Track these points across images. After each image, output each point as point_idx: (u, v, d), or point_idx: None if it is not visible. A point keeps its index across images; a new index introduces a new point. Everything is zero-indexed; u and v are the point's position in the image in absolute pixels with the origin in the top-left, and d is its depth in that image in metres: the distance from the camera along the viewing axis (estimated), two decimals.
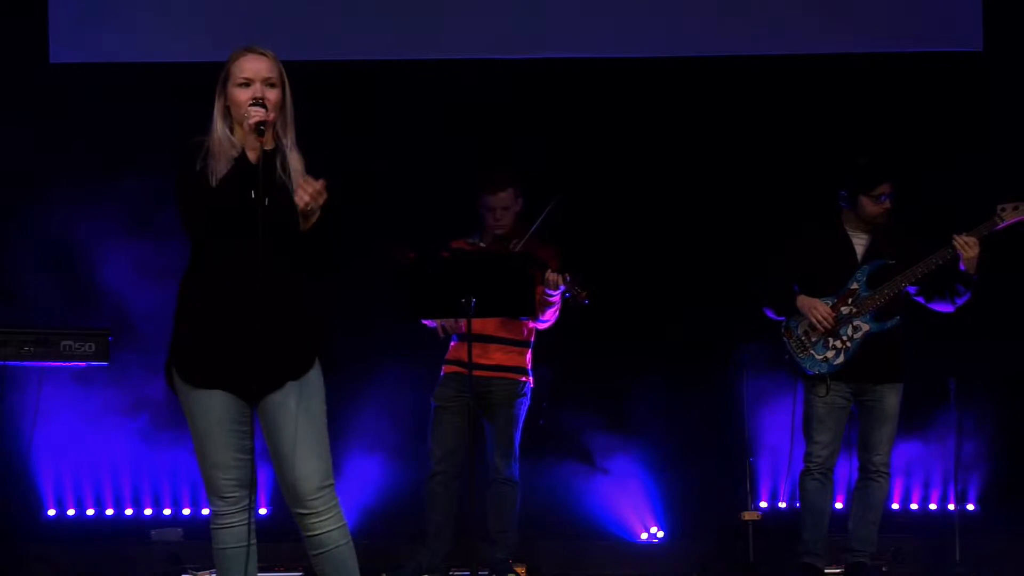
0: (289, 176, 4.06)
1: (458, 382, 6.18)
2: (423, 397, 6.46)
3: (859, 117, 7.44)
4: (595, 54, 7.52)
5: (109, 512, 7.44)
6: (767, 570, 6.65)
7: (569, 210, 6.57)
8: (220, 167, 4.04)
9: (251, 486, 4.07)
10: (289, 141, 4.12)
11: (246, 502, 4.08)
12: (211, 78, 7.40)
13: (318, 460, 4.04)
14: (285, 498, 4.08)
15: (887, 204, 6.06)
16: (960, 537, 6.78)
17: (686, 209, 7.49)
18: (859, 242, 6.11)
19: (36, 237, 7.29)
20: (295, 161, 4.09)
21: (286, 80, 4.13)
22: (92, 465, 7.39)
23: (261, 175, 3.98)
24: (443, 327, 6.25)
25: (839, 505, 6.74)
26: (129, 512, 7.45)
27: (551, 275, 6.09)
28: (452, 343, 6.32)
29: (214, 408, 4.02)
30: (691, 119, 7.52)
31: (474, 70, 7.48)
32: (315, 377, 4.08)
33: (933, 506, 7.40)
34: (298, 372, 4.04)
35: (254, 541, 4.11)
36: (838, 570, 6.26)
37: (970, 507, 7.31)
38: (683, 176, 7.49)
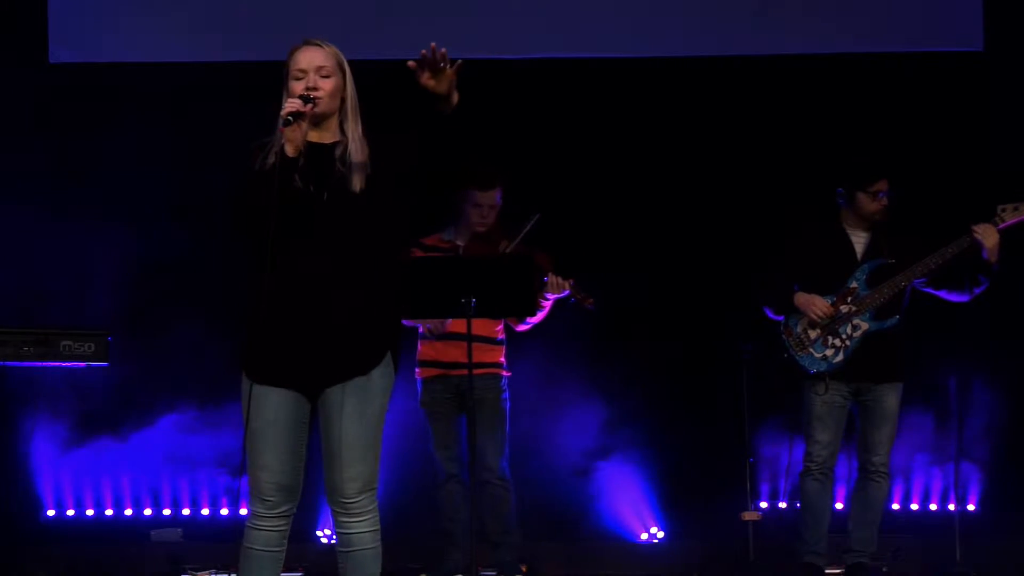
0: (350, 169, 3.98)
1: (442, 384, 6.15)
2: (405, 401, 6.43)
3: (859, 117, 7.44)
4: (595, 54, 7.51)
5: (109, 512, 7.44)
6: (767, 570, 6.65)
7: (568, 210, 6.58)
8: (269, 163, 3.97)
9: (295, 494, 4.04)
10: (354, 132, 4.04)
11: (284, 508, 4.04)
12: (211, 78, 7.48)
13: (363, 465, 4.01)
14: (326, 492, 4.06)
15: (885, 201, 6.06)
16: (960, 537, 6.78)
17: (686, 208, 7.49)
18: (858, 241, 6.11)
19: (35, 236, 7.29)
20: (358, 153, 4.00)
21: (347, 70, 4.06)
22: (92, 465, 7.39)
23: (301, 164, 3.91)
24: (429, 328, 6.16)
25: (839, 505, 6.74)
26: (129, 512, 7.45)
27: (555, 279, 6.03)
28: (421, 346, 6.26)
29: (271, 406, 3.98)
30: (691, 119, 7.52)
31: (473, 70, 7.46)
32: (379, 378, 4.03)
33: (933, 506, 7.39)
34: (361, 368, 3.99)
35: (283, 546, 4.08)
36: (838, 570, 6.25)
37: (970, 507, 7.31)
38: (683, 176, 7.49)
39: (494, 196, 6.22)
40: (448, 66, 3.85)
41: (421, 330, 6.22)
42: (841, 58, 7.49)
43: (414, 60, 3.83)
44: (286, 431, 4.00)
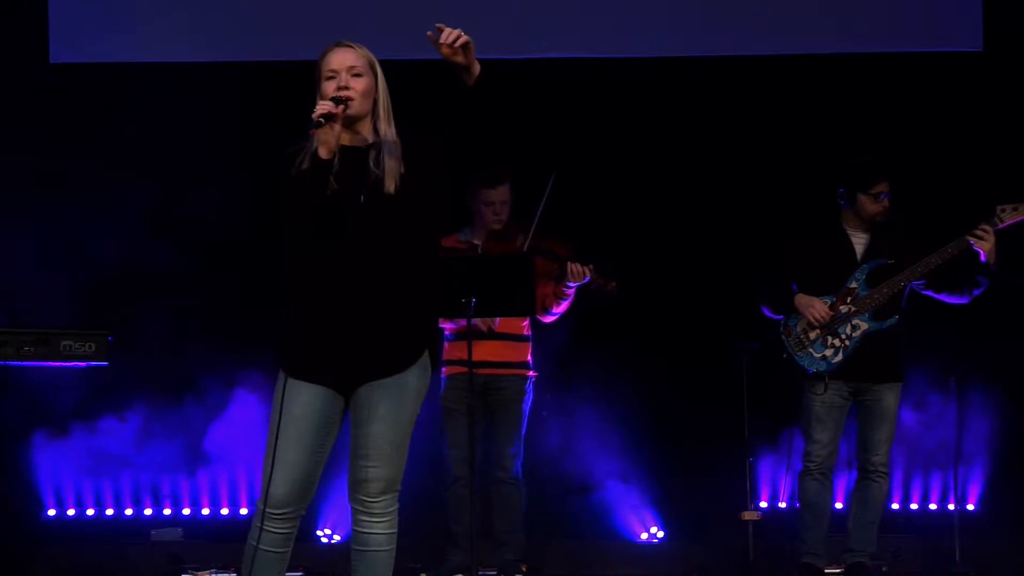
0: (384, 170, 3.98)
1: (466, 382, 6.15)
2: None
3: (859, 117, 7.45)
4: (595, 54, 7.52)
5: (109, 512, 7.44)
6: (767, 570, 6.65)
7: (568, 209, 6.57)
8: (304, 168, 3.96)
9: (304, 497, 4.02)
10: (387, 133, 4.04)
11: (289, 510, 4.01)
12: (211, 78, 7.48)
13: (388, 468, 4.01)
14: (348, 489, 4.05)
15: (886, 202, 6.07)
16: (960, 537, 6.78)
17: (686, 209, 7.49)
18: (858, 241, 6.12)
19: (36, 237, 7.29)
20: (392, 154, 3.99)
21: (379, 71, 4.06)
22: (92, 465, 7.39)
23: (336, 167, 3.92)
24: (488, 324, 6.11)
25: (839, 505, 6.75)
26: (129, 512, 7.45)
27: (574, 266, 6.02)
28: (447, 343, 6.27)
29: (301, 402, 3.97)
30: (691, 119, 7.52)
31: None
32: (413, 380, 4.02)
33: (933, 506, 7.40)
34: (397, 366, 3.99)
35: (288, 548, 4.06)
36: (838, 570, 6.26)
37: (970, 507, 7.31)
38: (683, 176, 7.50)
39: (504, 192, 6.26)
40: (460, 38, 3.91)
41: (448, 332, 6.22)
42: (841, 58, 7.50)
43: (432, 32, 3.91)
44: (312, 428, 3.99)
